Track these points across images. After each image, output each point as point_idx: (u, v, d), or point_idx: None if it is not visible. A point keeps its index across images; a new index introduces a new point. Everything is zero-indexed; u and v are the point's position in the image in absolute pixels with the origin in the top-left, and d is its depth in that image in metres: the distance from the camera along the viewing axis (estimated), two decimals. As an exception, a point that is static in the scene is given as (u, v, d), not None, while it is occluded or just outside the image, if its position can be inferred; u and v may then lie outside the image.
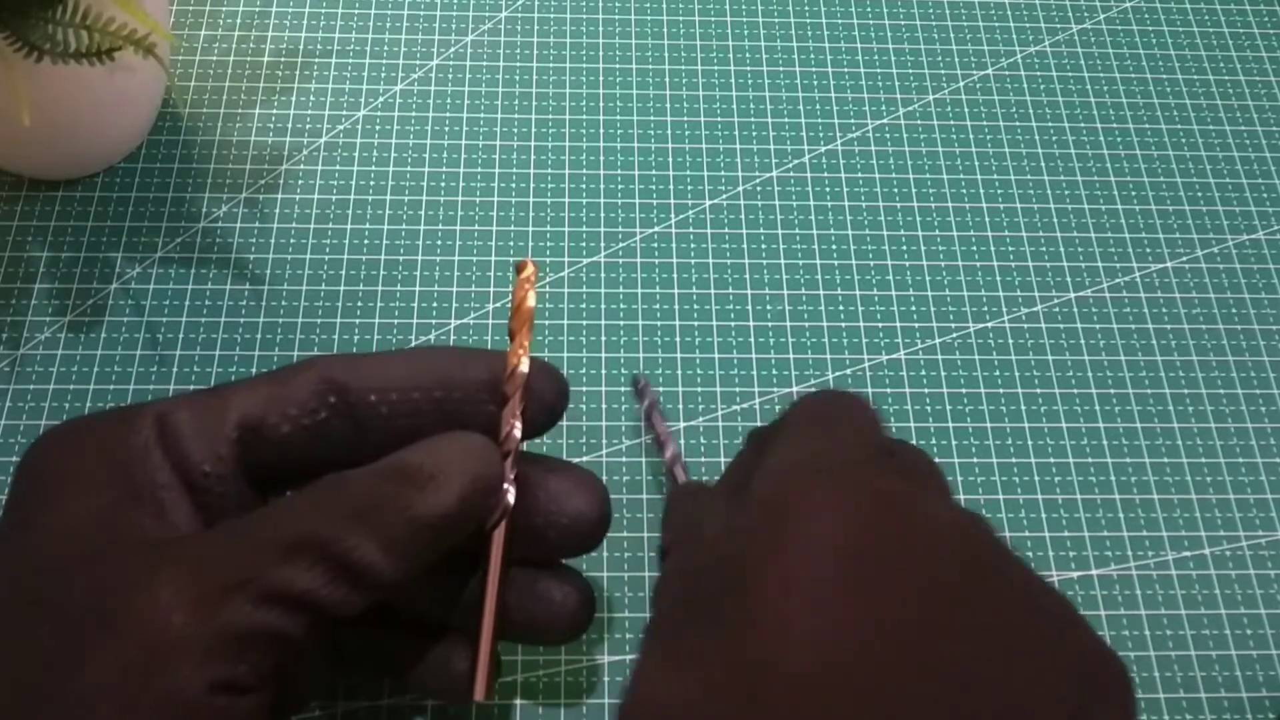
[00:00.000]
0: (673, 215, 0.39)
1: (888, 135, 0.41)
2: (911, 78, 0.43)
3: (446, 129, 0.41)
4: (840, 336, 0.37)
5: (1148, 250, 0.39)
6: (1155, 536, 0.34)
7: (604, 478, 0.34)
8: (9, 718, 0.20)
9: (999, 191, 0.40)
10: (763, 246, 0.39)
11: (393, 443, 0.25)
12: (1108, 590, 0.33)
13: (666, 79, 0.42)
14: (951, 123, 0.42)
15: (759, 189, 0.40)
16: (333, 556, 0.21)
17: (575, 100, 0.41)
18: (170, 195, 0.39)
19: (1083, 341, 0.37)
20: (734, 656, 0.19)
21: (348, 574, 0.22)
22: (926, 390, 0.36)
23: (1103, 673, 0.20)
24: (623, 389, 0.36)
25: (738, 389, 0.36)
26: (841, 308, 0.38)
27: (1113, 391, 0.36)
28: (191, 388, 0.33)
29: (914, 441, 0.35)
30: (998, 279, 0.38)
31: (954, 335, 0.37)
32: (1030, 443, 0.35)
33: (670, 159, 0.40)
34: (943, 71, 0.43)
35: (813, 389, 0.36)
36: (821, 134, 0.41)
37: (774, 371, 0.36)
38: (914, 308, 0.38)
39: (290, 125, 0.40)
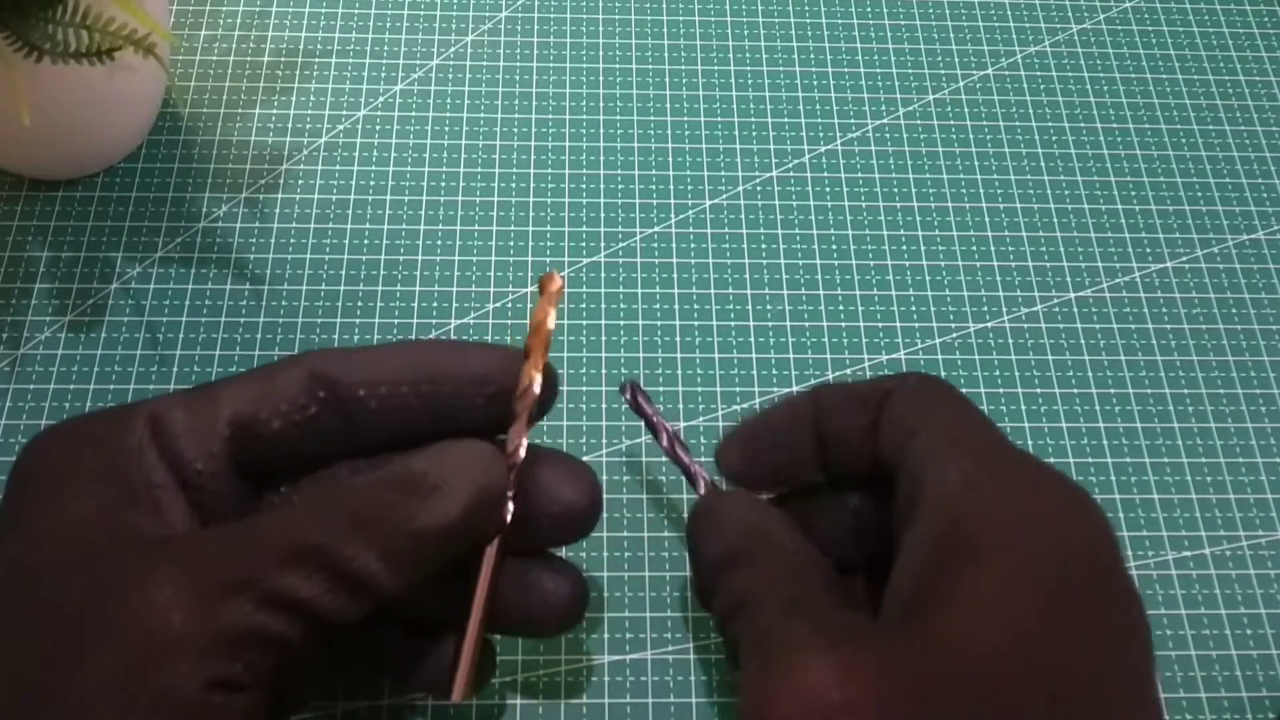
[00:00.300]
0: (673, 215, 0.39)
1: (888, 135, 0.41)
2: (911, 78, 0.43)
3: (446, 129, 0.41)
4: (840, 336, 0.37)
5: (1148, 250, 0.39)
6: (1155, 536, 0.34)
7: (604, 478, 0.34)
8: (9, 718, 0.20)
9: (999, 191, 0.40)
10: (763, 246, 0.39)
11: (383, 437, 0.25)
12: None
13: (666, 79, 0.42)
14: (951, 123, 0.42)
15: (759, 189, 0.40)
16: (332, 565, 0.21)
17: (575, 100, 0.41)
18: (170, 195, 0.39)
19: (1083, 341, 0.37)
20: (919, 672, 0.19)
21: (347, 583, 0.22)
22: (926, 390, 0.36)
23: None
24: (623, 389, 0.36)
25: (738, 389, 0.36)
26: (841, 308, 0.38)
27: (1113, 391, 0.36)
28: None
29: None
30: (998, 279, 0.38)
31: (954, 335, 0.37)
32: (1030, 443, 0.35)
33: (670, 159, 0.40)
34: (943, 71, 0.43)
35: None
36: (821, 134, 0.41)
37: (774, 371, 0.36)
38: (914, 308, 0.38)
39: (290, 125, 0.40)
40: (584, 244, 0.38)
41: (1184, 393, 0.37)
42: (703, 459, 0.35)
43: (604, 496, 0.27)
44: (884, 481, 0.25)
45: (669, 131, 0.41)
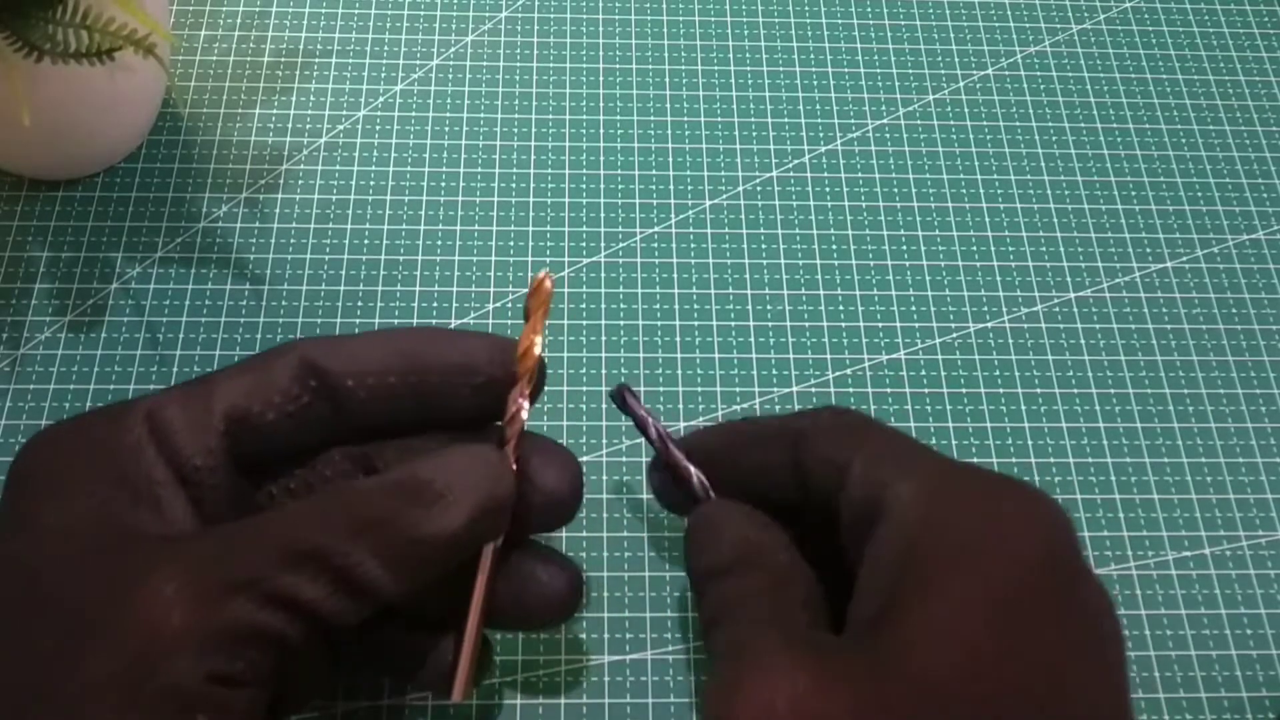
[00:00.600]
0: (673, 215, 0.39)
1: (888, 135, 0.41)
2: (911, 78, 0.43)
3: (446, 129, 0.41)
4: (840, 336, 0.37)
5: (1148, 250, 0.39)
6: (1155, 536, 0.34)
7: (604, 477, 0.34)
8: (9, 716, 0.20)
9: (999, 191, 0.40)
10: (763, 246, 0.39)
11: (372, 424, 0.25)
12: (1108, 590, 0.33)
13: (666, 79, 0.42)
14: (951, 123, 0.42)
15: (759, 189, 0.40)
16: (335, 569, 0.21)
17: (575, 100, 0.41)
18: (170, 195, 0.39)
19: (1083, 341, 0.37)
20: (877, 689, 0.19)
21: (348, 586, 0.22)
22: (926, 390, 0.36)
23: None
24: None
25: (738, 389, 0.36)
26: (841, 308, 0.38)
27: (1113, 391, 0.36)
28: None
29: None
30: (998, 279, 0.38)
31: (954, 335, 0.37)
32: (1030, 443, 0.35)
33: (670, 159, 0.40)
34: (943, 71, 0.43)
35: (813, 389, 0.36)
36: (821, 134, 0.41)
37: (774, 371, 0.36)
38: (914, 308, 0.38)
39: (290, 125, 0.40)
40: (584, 244, 0.38)
41: (1184, 393, 0.37)
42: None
43: (584, 487, 0.27)
44: (816, 511, 0.25)
45: (669, 131, 0.41)
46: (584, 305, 0.37)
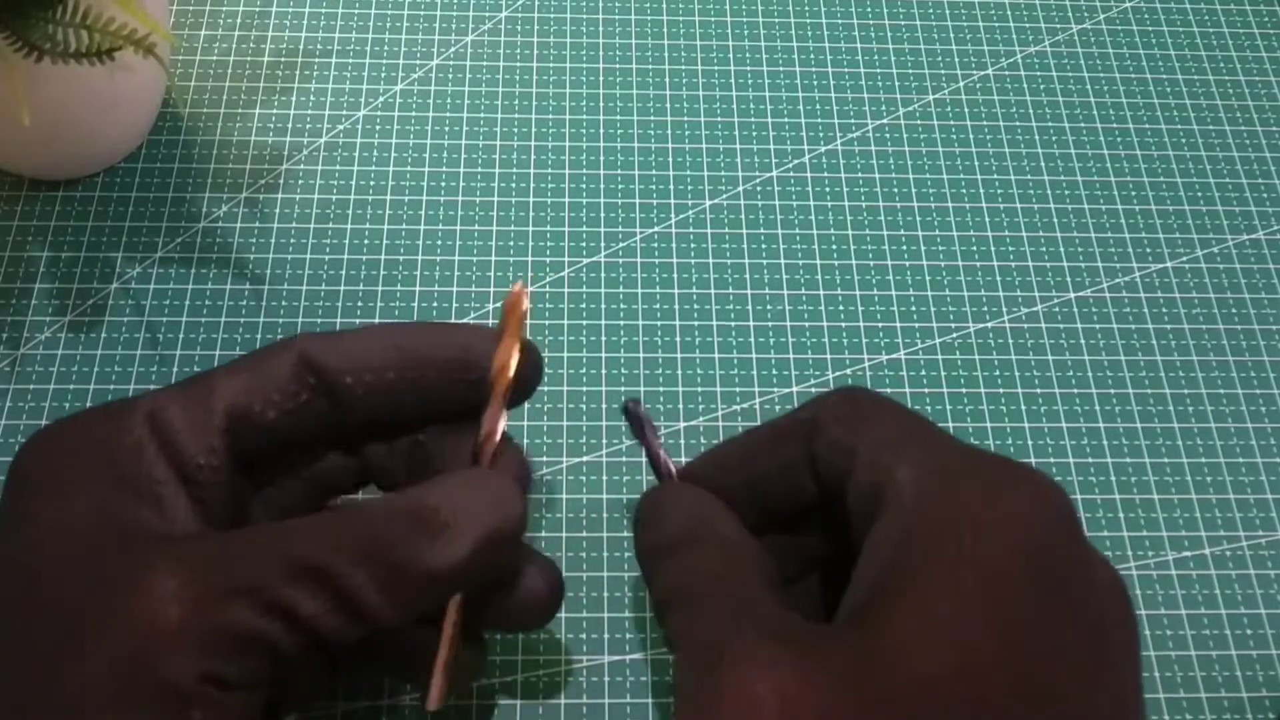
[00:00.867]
0: (673, 215, 0.39)
1: (888, 135, 0.41)
2: (911, 78, 0.43)
3: (446, 129, 0.41)
4: (840, 336, 0.37)
5: (1148, 250, 0.39)
6: (1155, 536, 0.34)
7: (603, 478, 0.34)
8: (8, 714, 0.20)
9: (999, 191, 0.40)
10: (763, 246, 0.39)
11: (370, 420, 0.25)
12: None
13: (666, 79, 0.42)
14: (951, 123, 0.42)
15: (759, 189, 0.40)
16: (335, 589, 0.21)
17: (575, 100, 0.41)
18: (170, 195, 0.39)
19: (1083, 341, 0.37)
20: (863, 686, 0.19)
21: (347, 608, 0.22)
22: (926, 390, 0.36)
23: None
24: (623, 389, 0.36)
25: (738, 389, 0.36)
26: (841, 308, 0.38)
27: (1113, 391, 0.36)
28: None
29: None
30: (998, 279, 0.38)
31: (954, 335, 0.37)
32: (1030, 443, 0.35)
33: (670, 159, 0.40)
34: (943, 71, 0.43)
35: (813, 389, 0.36)
36: (821, 134, 0.41)
37: (774, 371, 0.36)
38: (914, 308, 0.38)
39: (290, 125, 0.40)
40: (584, 244, 0.38)
41: (1184, 393, 0.37)
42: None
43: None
44: (828, 507, 0.25)
45: (669, 131, 0.41)
46: (584, 305, 0.37)
